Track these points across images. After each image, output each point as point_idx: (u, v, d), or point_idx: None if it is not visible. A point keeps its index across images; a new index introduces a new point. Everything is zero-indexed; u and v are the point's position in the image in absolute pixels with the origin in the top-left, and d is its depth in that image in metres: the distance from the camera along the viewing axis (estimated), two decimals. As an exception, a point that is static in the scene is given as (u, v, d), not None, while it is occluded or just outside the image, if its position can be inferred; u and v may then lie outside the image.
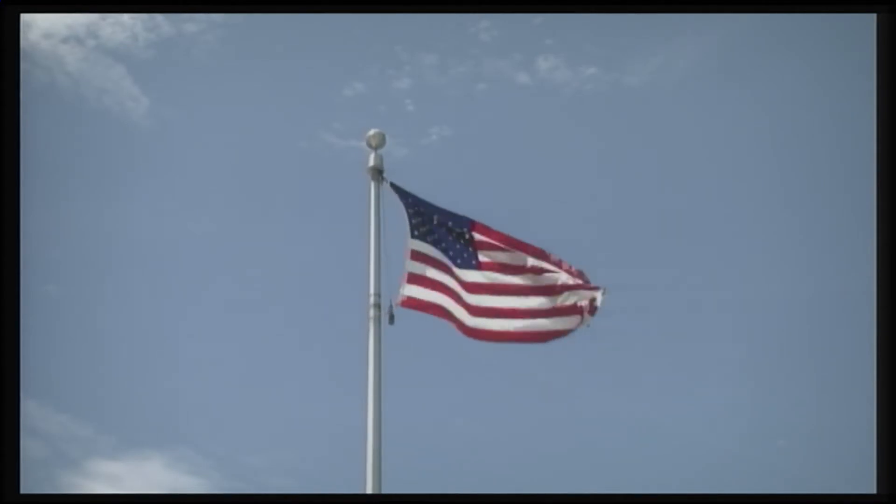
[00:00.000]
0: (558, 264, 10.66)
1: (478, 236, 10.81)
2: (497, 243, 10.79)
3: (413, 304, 10.47)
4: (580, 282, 10.55)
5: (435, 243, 10.74)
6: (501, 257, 10.77)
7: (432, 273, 10.63)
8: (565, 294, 10.56)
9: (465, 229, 10.83)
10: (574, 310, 10.51)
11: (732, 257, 24.22)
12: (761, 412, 21.26)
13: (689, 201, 24.60)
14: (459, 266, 10.72)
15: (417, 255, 10.64)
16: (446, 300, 10.60)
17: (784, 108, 24.52)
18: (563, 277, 10.59)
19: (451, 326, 10.57)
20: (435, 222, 10.82)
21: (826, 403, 20.82)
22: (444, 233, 10.81)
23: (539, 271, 10.66)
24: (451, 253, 10.77)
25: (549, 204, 24.25)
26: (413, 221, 10.74)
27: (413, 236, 10.69)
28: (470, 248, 10.82)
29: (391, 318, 10.23)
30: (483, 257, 10.78)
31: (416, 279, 10.57)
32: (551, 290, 10.60)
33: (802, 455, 20.64)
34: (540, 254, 10.74)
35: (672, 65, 25.31)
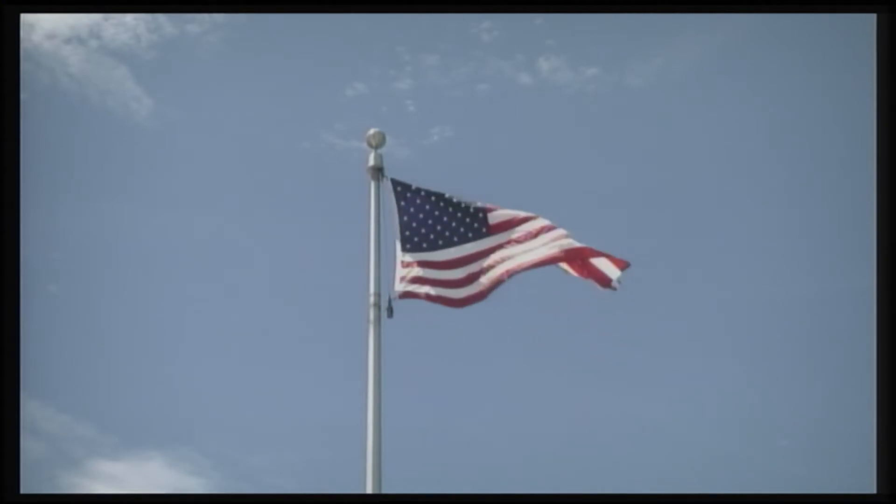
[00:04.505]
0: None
1: (490, 216, 10.86)
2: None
3: (410, 295, 10.43)
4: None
5: (430, 243, 10.70)
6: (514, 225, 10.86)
7: (424, 272, 10.57)
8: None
9: (475, 205, 10.84)
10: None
11: (734, 257, 24.24)
12: (762, 412, 21.27)
13: (690, 201, 24.61)
14: (470, 239, 10.72)
15: (408, 265, 10.58)
16: (446, 290, 10.54)
17: (785, 108, 24.55)
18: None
19: (454, 309, 10.56)
20: (435, 203, 10.79)
21: (826, 403, 20.82)
22: (447, 210, 10.78)
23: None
24: (455, 228, 10.76)
25: (549, 204, 24.22)
26: (405, 234, 10.71)
27: (405, 249, 10.65)
28: (480, 215, 10.81)
29: (390, 311, 10.25)
30: (493, 220, 10.82)
31: (408, 280, 10.51)
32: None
33: (803, 455, 20.64)
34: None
35: (673, 65, 25.32)
